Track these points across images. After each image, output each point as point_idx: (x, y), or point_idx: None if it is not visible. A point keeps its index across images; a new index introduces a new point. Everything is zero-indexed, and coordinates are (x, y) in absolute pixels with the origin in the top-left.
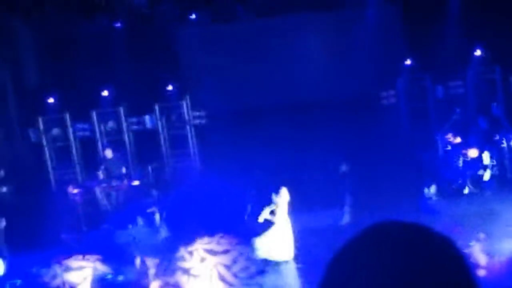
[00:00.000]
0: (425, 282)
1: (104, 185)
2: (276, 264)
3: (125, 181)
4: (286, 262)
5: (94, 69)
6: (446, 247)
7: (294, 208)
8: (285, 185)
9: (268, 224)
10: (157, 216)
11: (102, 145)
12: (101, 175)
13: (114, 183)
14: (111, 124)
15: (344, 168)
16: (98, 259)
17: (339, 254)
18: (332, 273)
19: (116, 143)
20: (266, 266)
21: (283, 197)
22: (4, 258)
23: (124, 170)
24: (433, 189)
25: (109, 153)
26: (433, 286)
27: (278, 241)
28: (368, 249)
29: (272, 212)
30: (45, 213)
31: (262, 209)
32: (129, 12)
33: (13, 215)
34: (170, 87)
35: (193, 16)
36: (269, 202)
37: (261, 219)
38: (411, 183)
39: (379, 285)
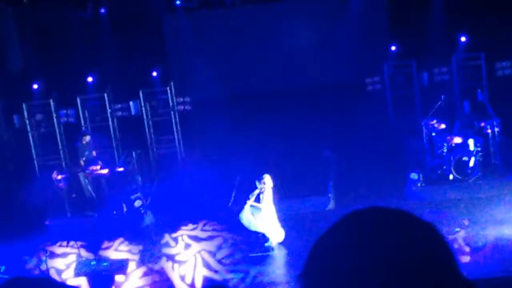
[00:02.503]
0: (407, 268)
1: (88, 171)
2: (261, 250)
3: (96, 166)
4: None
5: (79, 55)
6: (428, 232)
7: (279, 195)
8: (269, 172)
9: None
10: (141, 203)
11: (86, 132)
12: (84, 161)
13: (98, 169)
14: (95, 110)
15: (328, 154)
16: (82, 246)
17: (320, 240)
18: (314, 259)
19: (101, 129)
20: (250, 253)
21: (267, 184)
22: None
23: (94, 154)
24: (417, 175)
25: (86, 139)
26: (415, 271)
27: (265, 226)
28: (349, 235)
29: (257, 199)
30: (30, 199)
31: (246, 196)
32: None
33: None
34: (154, 74)
35: (178, 2)
36: (253, 189)
37: (247, 207)
38: (396, 169)
39: (360, 270)
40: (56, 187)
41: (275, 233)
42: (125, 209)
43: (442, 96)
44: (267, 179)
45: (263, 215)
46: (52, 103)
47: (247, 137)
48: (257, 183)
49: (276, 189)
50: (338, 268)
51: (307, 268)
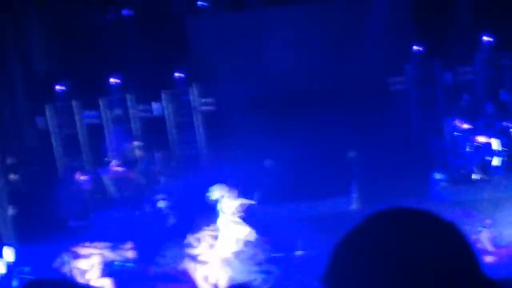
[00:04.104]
0: (430, 268)
1: (112, 172)
2: (285, 251)
3: (134, 168)
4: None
5: (102, 56)
6: (450, 232)
7: (303, 196)
8: (293, 173)
9: None
10: (165, 203)
11: (110, 133)
12: (109, 162)
13: (122, 170)
14: (118, 111)
15: (352, 155)
16: (106, 246)
17: (342, 241)
18: (336, 260)
19: (124, 130)
20: (274, 253)
21: (231, 194)
22: (12, 246)
23: (134, 156)
24: (442, 175)
25: (117, 141)
26: (438, 271)
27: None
28: (371, 236)
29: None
30: (53, 200)
31: (269, 197)
32: (138, 0)
33: (21, 203)
34: (177, 74)
35: (203, 3)
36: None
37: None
38: (419, 169)
39: (383, 271)
40: (80, 188)
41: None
42: (148, 210)
43: (466, 96)
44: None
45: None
46: (75, 105)
47: (271, 138)
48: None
49: (301, 190)
50: (360, 269)
51: (329, 270)
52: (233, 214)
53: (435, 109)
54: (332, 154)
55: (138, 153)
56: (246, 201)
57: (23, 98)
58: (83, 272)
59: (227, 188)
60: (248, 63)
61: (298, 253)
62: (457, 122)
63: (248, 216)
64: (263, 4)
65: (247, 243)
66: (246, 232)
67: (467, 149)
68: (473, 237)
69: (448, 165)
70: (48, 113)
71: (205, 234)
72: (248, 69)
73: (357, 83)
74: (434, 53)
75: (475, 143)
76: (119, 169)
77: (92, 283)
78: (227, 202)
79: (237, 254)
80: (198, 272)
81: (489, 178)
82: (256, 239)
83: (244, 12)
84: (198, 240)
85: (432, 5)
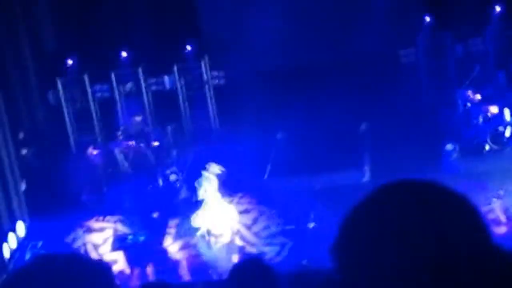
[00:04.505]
0: (441, 240)
1: (123, 146)
2: (297, 224)
3: (145, 142)
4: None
5: (112, 30)
6: (461, 204)
7: (315, 168)
8: (304, 146)
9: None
10: (177, 177)
11: (121, 106)
12: (120, 136)
13: (133, 144)
14: (130, 85)
15: (363, 127)
16: (119, 220)
17: (352, 213)
18: (346, 231)
19: (135, 104)
20: (286, 226)
21: (211, 174)
22: (24, 221)
23: (145, 129)
24: (453, 146)
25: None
26: (449, 244)
27: (212, 219)
28: (380, 209)
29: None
30: (65, 175)
31: (282, 169)
32: None
33: (33, 178)
34: (188, 47)
35: None
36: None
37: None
38: (431, 141)
39: (393, 243)
40: (92, 162)
41: (220, 232)
42: (160, 183)
43: (477, 67)
44: (213, 168)
45: (206, 209)
46: (86, 79)
47: (282, 111)
48: (203, 172)
49: (312, 162)
50: (370, 241)
51: (339, 241)
52: (214, 196)
53: (447, 80)
54: (344, 127)
55: (149, 127)
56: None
57: (33, 72)
58: (96, 246)
59: (219, 168)
60: (259, 36)
61: (310, 225)
62: (469, 93)
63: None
64: None
65: (257, 216)
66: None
67: (479, 120)
68: (486, 208)
69: (460, 136)
70: (59, 87)
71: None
72: (259, 41)
73: (368, 54)
74: (445, 24)
75: (487, 114)
76: (131, 143)
77: (105, 257)
78: (213, 183)
79: (249, 226)
80: (211, 245)
81: (502, 148)
82: (269, 212)
83: None
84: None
85: None
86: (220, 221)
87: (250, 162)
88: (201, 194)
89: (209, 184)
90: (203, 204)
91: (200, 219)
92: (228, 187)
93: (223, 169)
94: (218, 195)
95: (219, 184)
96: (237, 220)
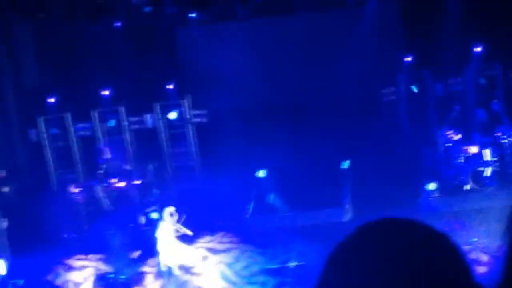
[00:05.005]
0: (422, 278)
1: (105, 184)
2: (278, 263)
3: (127, 180)
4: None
5: (94, 68)
6: (443, 243)
7: (297, 206)
8: (286, 183)
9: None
10: (158, 215)
11: (103, 145)
12: (101, 174)
13: (115, 182)
14: (111, 123)
15: (344, 166)
16: (100, 259)
17: (333, 253)
18: (329, 270)
19: (117, 143)
20: (267, 265)
21: (165, 219)
22: (6, 258)
23: (127, 167)
24: (434, 186)
25: (108, 153)
26: (430, 282)
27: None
28: (361, 248)
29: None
30: (47, 213)
31: (263, 208)
32: (129, 12)
33: (14, 216)
34: (170, 86)
35: (193, 15)
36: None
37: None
38: (412, 180)
39: (375, 282)
40: (73, 201)
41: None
42: (142, 222)
43: (457, 107)
44: (166, 212)
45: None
46: (68, 117)
47: (263, 149)
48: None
49: (294, 200)
50: (352, 280)
51: (322, 280)
52: (169, 236)
53: (427, 119)
54: (324, 165)
55: (130, 165)
56: (182, 229)
57: (15, 110)
58: (77, 285)
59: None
60: (240, 74)
61: (292, 264)
62: (449, 133)
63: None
64: (253, 16)
65: (239, 255)
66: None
67: (459, 160)
68: (466, 247)
69: (441, 175)
70: (40, 125)
71: (199, 246)
72: (240, 80)
73: (350, 93)
74: (425, 63)
75: (466, 154)
76: (112, 181)
77: None
78: (168, 225)
79: (231, 265)
80: (192, 284)
81: (482, 188)
82: (250, 251)
83: (235, 23)
84: (192, 251)
85: (423, 16)
86: (171, 259)
87: (232, 200)
88: (158, 233)
89: (164, 226)
90: (157, 242)
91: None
92: (210, 225)
93: (174, 214)
94: (171, 237)
95: (177, 225)
96: (191, 260)
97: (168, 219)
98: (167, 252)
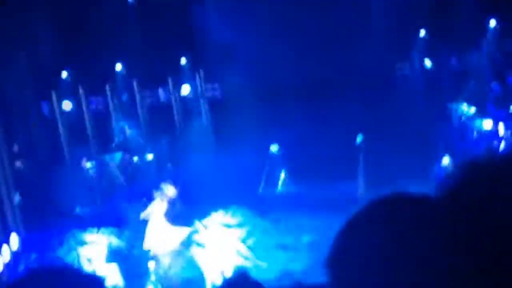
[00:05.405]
0: (432, 255)
1: (118, 158)
2: (291, 237)
3: (140, 154)
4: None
5: (107, 42)
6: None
7: (312, 180)
8: (301, 157)
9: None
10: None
11: (116, 119)
12: (114, 149)
13: (128, 156)
14: (124, 97)
15: (359, 140)
16: (113, 233)
17: (347, 226)
18: (340, 245)
19: (130, 116)
20: (280, 239)
21: (164, 195)
22: (18, 233)
23: (140, 142)
24: (447, 160)
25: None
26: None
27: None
28: (375, 222)
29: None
30: (60, 187)
31: (277, 183)
32: None
33: (27, 190)
34: (183, 60)
35: None
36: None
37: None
38: (426, 154)
39: (386, 257)
40: (86, 175)
41: (162, 255)
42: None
43: (472, 81)
44: (168, 190)
45: (151, 229)
46: (81, 91)
47: (278, 124)
48: (155, 192)
49: (309, 175)
50: (364, 255)
51: (333, 255)
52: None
53: (442, 94)
54: (338, 140)
55: (144, 139)
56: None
57: (28, 84)
58: (90, 259)
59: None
60: (254, 50)
61: (305, 238)
62: (464, 107)
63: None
64: None
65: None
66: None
67: (474, 134)
68: None
69: (455, 150)
70: (53, 99)
71: (212, 221)
72: (255, 55)
73: (364, 67)
74: (440, 37)
75: (481, 128)
76: (126, 155)
77: (99, 269)
78: (162, 205)
79: (243, 240)
80: (204, 258)
81: None
82: (263, 225)
83: None
84: (205, 226)
85: None
86: (162, 244)
87: (245, 175)
88: (146, 214)
89: (157, 205)
90: (148, 225)
91: (148, 242)
92: (223, 200)
93: (175, 192)
94: (163, 219)
95: (169, 207)
96: (178, 246)
97: (164, 200)
98: (154, 237)
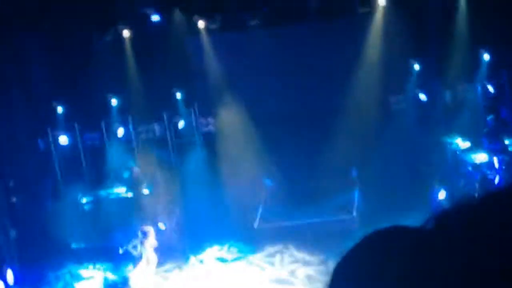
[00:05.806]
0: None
1: (113, 193)
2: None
3: (134, 189)
4: None
5: (103, 78)
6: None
7: (306, 214)
8: (295, 192)
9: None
10: (166, 225)
11: (111, 154)
12: (110, 184)
13: (123, 191)
14: (120, 133)
15: (354, 173)
16: (108, 268)
17: (340, 263)
18: (336, 279)
19: (125, 152)
20: (275, 276)
21: (148, 237)
22: (14, 268)
23: (135, 177)
24: (443, 194)
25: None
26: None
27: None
28: (369, 255)
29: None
30: (55, 222)
31: (272, 216)
32: (137, 21)
33: (23, 225)
34: (178, 95)
35: (202, 25)
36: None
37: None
38: (421, 188)
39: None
40: (82, 210)
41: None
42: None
43: (466, 114)
44: (150, 231)
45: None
46: (76, 127)
47: (272, 157)
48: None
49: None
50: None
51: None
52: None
53: (436, 127)
54: (334, 173)
55: (139, 174)
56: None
57: (24, 120)
58: None
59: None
60: (248, 83)
61: (301, 272)
62: (458, 140)
63: None
64: (262, 25)
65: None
66: None
67: (468, 168)
68: None
69: (450, 183)
70: (49, 135)
71: (207, 256)
72: (247, 89)
73: (358, 102)
74: (434, 71)
75: (476, 161)
76: (120, 190)
77: None
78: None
79: (240, 274)
80: None
81: None
82: (258, 260)
83: (244, 32)
84: (201, 261)
85: (431, 24)
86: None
87: (239, 209)
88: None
89: (144, 244)
90: (137, 262)
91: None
92: (218, 235)
93: (153, 238)
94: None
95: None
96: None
97: (149, 239)
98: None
